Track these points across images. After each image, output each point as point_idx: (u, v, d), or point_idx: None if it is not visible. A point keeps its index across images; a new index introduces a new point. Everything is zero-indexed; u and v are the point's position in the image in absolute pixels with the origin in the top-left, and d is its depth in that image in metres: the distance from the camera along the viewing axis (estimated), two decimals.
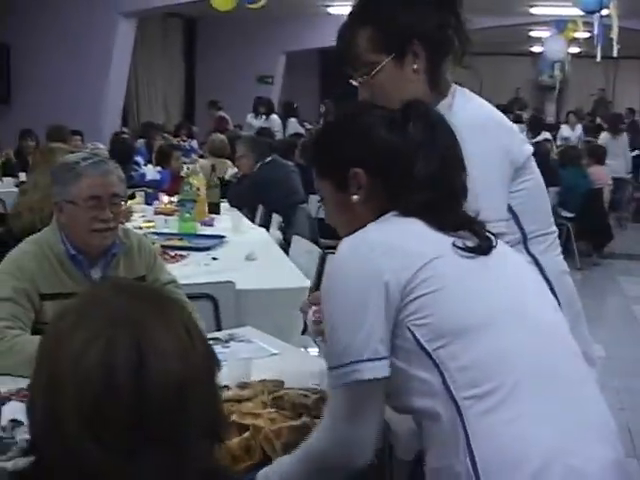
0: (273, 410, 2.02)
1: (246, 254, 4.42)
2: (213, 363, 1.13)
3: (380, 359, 1.50)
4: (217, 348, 2.80)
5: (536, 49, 19.43)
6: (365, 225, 1.63)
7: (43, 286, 2.62)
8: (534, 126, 11.99)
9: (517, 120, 12.08)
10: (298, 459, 1.64)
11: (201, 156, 9.20)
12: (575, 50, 16.02)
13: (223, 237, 4.89)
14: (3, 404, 2.03)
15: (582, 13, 9.36)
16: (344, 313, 1.53)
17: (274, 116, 12.31)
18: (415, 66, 1.93)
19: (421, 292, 1.48)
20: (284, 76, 16.41)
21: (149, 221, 5.46)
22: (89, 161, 2.68)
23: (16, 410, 2.08)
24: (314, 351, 2.80)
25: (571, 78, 18.01)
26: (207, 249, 4.60)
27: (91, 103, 10.53)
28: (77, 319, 1.08)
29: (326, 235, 6.28)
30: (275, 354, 2.76)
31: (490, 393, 1.43)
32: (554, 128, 14.20)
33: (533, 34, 16.77)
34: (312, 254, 4.69)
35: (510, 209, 1.96)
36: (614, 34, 8.70)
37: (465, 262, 1.54)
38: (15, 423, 1.92)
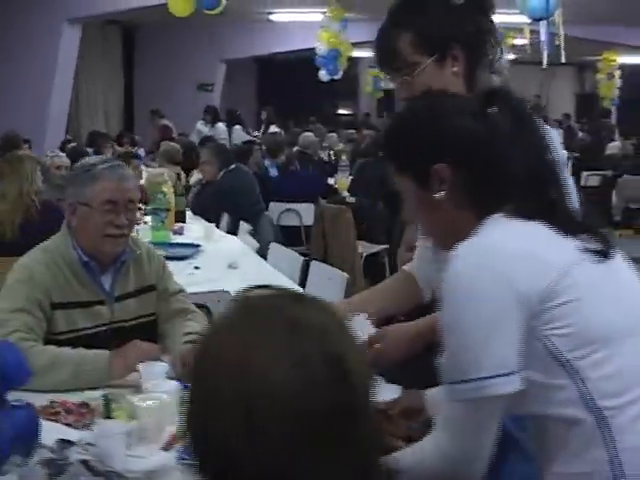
0: None
1: (228, 263, 4.37)
2: None
3: (515, 373, 1.44)
4: None
5: None
6: (453, 225, 1.59)
7: (55, 295, 2.53)
8: None
9: None
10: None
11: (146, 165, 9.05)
12: (511, 57, 16.28)
13: (199, 246, 4.82)
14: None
15: (528, 20, 9.48)
16: (476, 326, 1.44)
17: (220, 124, 12.23)
18: (455, 69, 1.99)
19: (560, 301, 1.43)
20: (223, 83, 16.33)
21: None
22: (107, 164, 2.62)
23: (51, 428, 2.01)
24: None
25: (508, 84, 18.29)
26: (185, 258, 4.52)
27: (36, 110, 10.29)
28: (252, 332, 1.02)
29: (288, 242, 6.28)
30: None
31: (633, 402, 1.42)
32: None
33: None
34: (292, 261, 4.66)
35: None
36: (561, 41, 8.86)
37: (596, 267, 1.49)
38: (64, 443, 1.83)
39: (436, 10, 2.00)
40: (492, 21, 2.05)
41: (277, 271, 4.37)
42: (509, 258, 1.46)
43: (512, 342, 1.44)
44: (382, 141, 1.77)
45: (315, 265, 4.43)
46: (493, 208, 1.54)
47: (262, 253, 5.05)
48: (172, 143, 9.00)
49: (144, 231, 5.15)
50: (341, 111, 21.74)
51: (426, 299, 2.26)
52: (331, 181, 9.18)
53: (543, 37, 9.08)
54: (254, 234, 6.07)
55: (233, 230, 5.93)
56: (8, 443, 1.81)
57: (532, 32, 10.75)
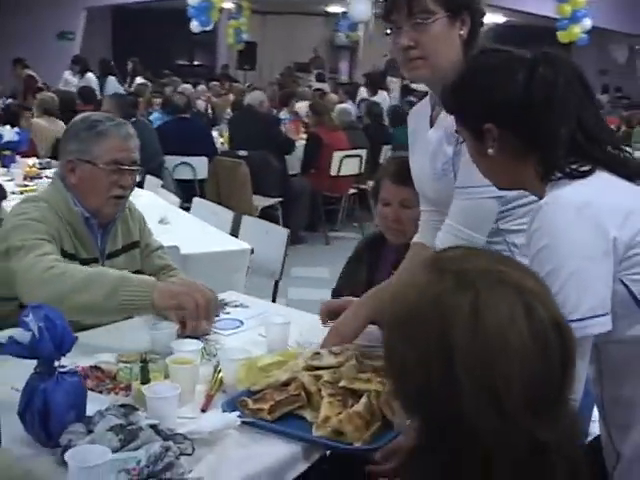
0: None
1: (158, 219, 4.26)
2: None
3: (608, 314, 1.53)
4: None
5: (331, 9, 19.79)
6: (509, 171, 1.70)
7: (63, 243, 2.44)
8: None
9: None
10: None
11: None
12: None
13: None
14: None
15: None
16: (578, 271, 1.51)
17: (90, 74, 11.76)
18: (461, 32, 2.10)
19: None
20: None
21: (24, 185, 5.10)
22: (113, 122, 2.50)
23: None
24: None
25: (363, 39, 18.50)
26: None
27: None
28: (475, 289, 1.03)
29: (183, 197, 6.16)
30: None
31: None
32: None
33: None
34: (219, 215, 4.59)
35: None
36: None
37: None
38: (127, 409, 1.76)
39: None
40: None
41: (208, 225, 4.32)
42: (601, 209, 1.54)
43: (607, 286, 1.54)
44: (445, 96, 1.82)
45: (247, 219, 4.38)
46: (546, 164, 1.63)
47: None
48: (49, 93, 8.62)
49: None
50: (181, 62, 21.15)
51: None
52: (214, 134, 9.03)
53: None
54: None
55: (139, 184, 5.75)
56: (64, 412, 1.73)
57: None
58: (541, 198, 1.68)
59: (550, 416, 1.01)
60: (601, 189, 1.59)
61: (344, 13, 16.45)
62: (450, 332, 1.01)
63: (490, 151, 1.68)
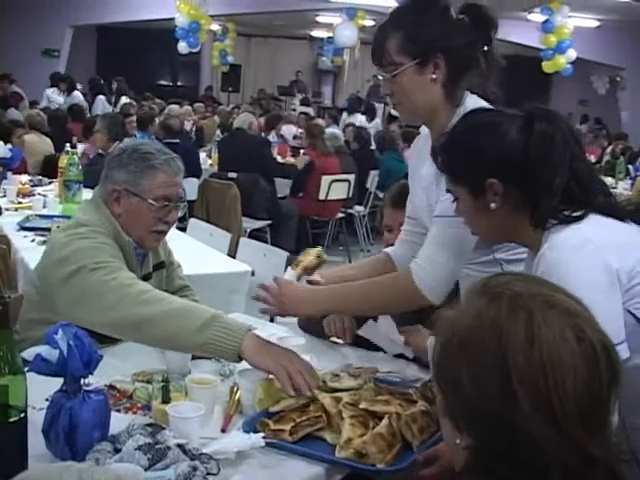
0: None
1: None
2: None
3: (623, 342, 1.58)
4: None
5: (316, 33, 19.93)
6: (504, 227, 1.79)
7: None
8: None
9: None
10: None
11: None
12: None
13: None
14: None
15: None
16: (593, 302, 1.54)
17: (76, 93, 11.75)
18: (434, 76, 2.10)
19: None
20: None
21: (18, 202, 5.10)
22: (166, 156, 2.44)
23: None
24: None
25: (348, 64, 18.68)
26: None
27: None
28: (528, 312, 1.08)
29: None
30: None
31: None
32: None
33: (320, 19, 17.15)
34: (215, 236, 4.61)
35: None
36: None
37: None
38: (154, 428, 1.77)
39: (431, 18, 2.10)
40: (490, 39, 2.17)
41: (206, 245, 4.33)
42: (602, 245, 1.65)
43: (619, 315, 1.61)
44: (437, 154, 1.88)
45: (244, 241, 4.40)
46: (542, 214, 1.72)
47: None
48: (37, 111, 8.62)
49: (53, 204, 4.94)
50: (163, 82, 21.18)
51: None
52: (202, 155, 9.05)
53: None
54: None
55: None
56: (91, 430, 1.73)
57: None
58: (531, 247, 1.79)
59: (600, 432, 1.06)
60: (595, 227, 1.69)
61: (329, 38, 16.58)
62: (507, 352, 1.05)
63: (493, 205, 1.75)
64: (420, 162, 2.29)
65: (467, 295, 1.17)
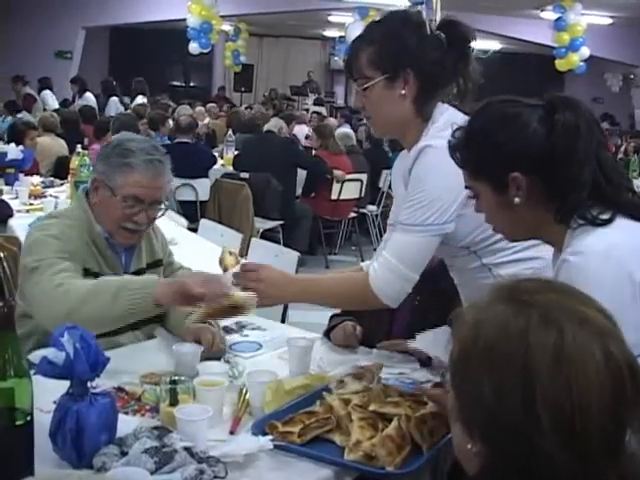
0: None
1: (167, 239, 4.25)
2: None
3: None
4: (234, 336, 2.73)
5: (328, 33, 19.93)
6: (526, 223, 1.72)
7: (84, 262, 2.44)
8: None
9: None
10: None
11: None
12: None
13: None
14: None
15: (408, 3, 9.74)
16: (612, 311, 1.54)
17: (88, 94, 11.79)
18: (403, 91, 2.12)
19: None
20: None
21: (30, 204, 5.11)
22: (147, 157, 2.43)
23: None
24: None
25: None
26: None
27: None
28: (559, 328, 1.05)
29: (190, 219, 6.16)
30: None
31: None
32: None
33: (332, 19, 17.14)
34: (226, 237, 4.59)
35: None
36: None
37: None
38: (160, 431, 1.75)
39: (403, 34, 2.11)
40: (467, 57, 2.15)
41: (217, 246, 4.31)
42: (627, 253, 1.59)
43: (637, 329, 1.52)
44: (455, 150, 1.79)
45: (256, 242, 4.39)
46: (568, 208, 1.66)
47: None
48: (50, 112, 8.65)
49: (64, 205, 4.94)
50: (175, 83, 21.19)
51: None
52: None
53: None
54: None
55: None
56: (97, 433, 1.72)
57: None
58: (554, 245, 1.74)
59: (618, 454, 1.03)
60: (622, 234, 1.63)
61: (341, 37, 16.56)
62: (533, 367, 1.02)
63: (517, 200, 1.68)
64: (396, 182, 2.35)
65: (490, 298, 1.12)
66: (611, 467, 1.01)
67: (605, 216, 1.64)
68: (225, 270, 2.38)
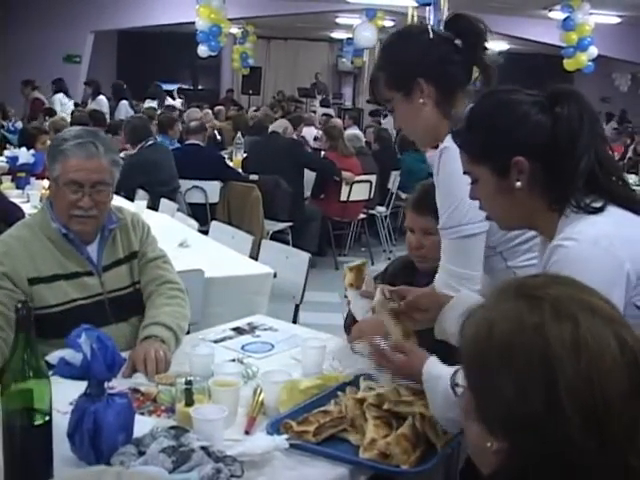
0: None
1: (178, 242, 4.30)
2: None
3: None
4: (247, 337, 2.74)
5: (335, 35, 19.95)
6: (522, 209, 1.74)
7: (33, 270, 2.44)
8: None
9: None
10: None
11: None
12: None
13: None
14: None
15: (414, 4, 9.76)
16: None
17: (101, 97, 11.82)
18: (421, 100, 2.19)
19: None
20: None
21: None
22: (77, 140, 2.47)
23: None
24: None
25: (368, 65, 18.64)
26: None
27: None
28: (574, 319, 1.06)
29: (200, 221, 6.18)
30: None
31: None
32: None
33: (339, 21, 17.16)
34: (237, 239, 4.61)
35: None
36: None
37: None
38: (178, 431, 1.77)
39: (404, 50, 2.21)
40: (465, 52, 2.18)
41: (228, 248, 4.33)
42: (617, 243, 1.62)
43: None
44: (459, 133, 1.83)
45: (266, 243, 4.40)
46: (564, 196, 1.69)
47: None
48: (61, 116, 8.70)
49: None
50: (184, 86, 21.12)
51: None
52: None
53: (432, 21, 9.34)
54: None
55: (153, 207, 5.78)
56: (115, 433, 1.74)
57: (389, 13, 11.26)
58: (544, 233, 1.77)
59: (638, 442, 1.04)
60: (614, 222, 1.67)
61: (349, 39, 16.59)
62: (554, 359, 1.03)
63: (518, 184, 1.71)
64: None
65: (497, 297, 1.14)
66: (632, 452, 1.02)
67: (597, 204, 1.68)
68: (350, 286, 2.45)
